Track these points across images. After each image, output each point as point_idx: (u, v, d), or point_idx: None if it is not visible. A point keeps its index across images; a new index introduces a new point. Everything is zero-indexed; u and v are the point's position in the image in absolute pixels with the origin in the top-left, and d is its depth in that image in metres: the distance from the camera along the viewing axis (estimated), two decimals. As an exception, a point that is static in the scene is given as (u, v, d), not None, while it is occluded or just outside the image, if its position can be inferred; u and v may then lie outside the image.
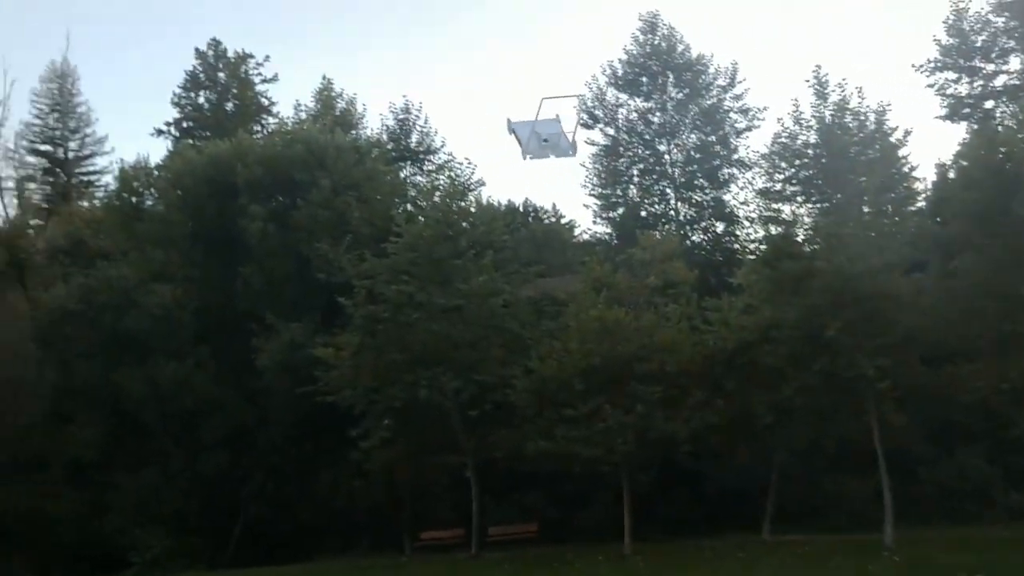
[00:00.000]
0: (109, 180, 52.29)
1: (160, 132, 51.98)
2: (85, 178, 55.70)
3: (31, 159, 53.55)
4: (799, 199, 40.39)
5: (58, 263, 43.19)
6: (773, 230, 33.54)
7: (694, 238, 44.40)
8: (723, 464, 29.70)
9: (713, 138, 44.92)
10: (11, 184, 50.84)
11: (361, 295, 29.92)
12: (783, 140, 40.71)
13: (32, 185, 53.05)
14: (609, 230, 45.71)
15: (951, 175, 29.41)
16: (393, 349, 29.33)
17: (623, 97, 46.24)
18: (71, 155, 54.91)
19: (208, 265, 38.14)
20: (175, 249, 39.04)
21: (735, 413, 26.86)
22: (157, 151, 52.61)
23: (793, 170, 40.43)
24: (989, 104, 40.08)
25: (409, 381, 28.66)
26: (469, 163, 47.56)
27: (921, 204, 36.27)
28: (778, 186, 41.07)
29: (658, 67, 45.64)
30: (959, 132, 39.56)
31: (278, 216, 36.86)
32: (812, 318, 25.05)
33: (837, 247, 25.73)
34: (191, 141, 47.24)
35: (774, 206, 41.14)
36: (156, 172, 43.61)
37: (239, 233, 36.51)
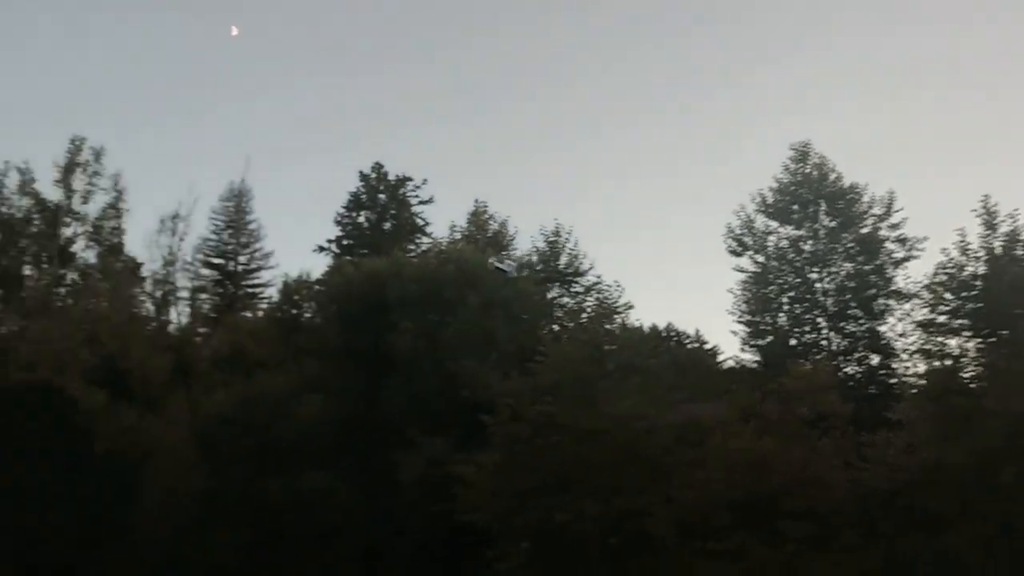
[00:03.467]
0: (272, 293, 55.25)
1: (322, 249, 54.77)
2: (251, 290, 59.08)
3: (204, 271, 57.34)
4: (965, 333, 38.11)
5: (220, 370, 45.55)
6: (936, 364, 31.66)
7: (847, 370, 42.42)
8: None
9: (868, 267, 43.41)
10: (185, 294, 54.41)
11: (504, 414, 29.98)
12: (948, 271, 38.79)
13: (203, 296, 56.53)
14: (757, 358, 44.37)
15: None
16: (533, 470, 29.03)
17: (773, 224, 45.58)
18: (240, 268, 58.55)
19: (357, 377, 39.26)
20: (328, 361, 40.49)
21: (893, 560, 24.89)
22: (318, 267, 55.60)
23: (959, 302, 38.31)
24: None
25: (547, 504, 28.18)
26: (617, 286, 47.40)
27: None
28: (941, 318, 38.95)
29: (809, 195, 44.91)
30: None
31: (427, 332, 37.76)
32: (983, 460, 23.24)
33: (1011, 384, 23.99)
34: (350, 258, 49.48)
35: (937, 339, 38.93)
36: (316, 286, 45.76)
37: (389, 347, 37.58)
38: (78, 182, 51.56)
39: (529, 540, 28.44)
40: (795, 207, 45.27)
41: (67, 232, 51.96)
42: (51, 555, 37.53)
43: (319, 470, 36.54)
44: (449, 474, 30.28)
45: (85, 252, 52.90)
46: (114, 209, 52.74)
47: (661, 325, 48.54)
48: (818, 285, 44.18)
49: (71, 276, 52.52)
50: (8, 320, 49.99)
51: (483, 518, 28.97)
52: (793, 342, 43.46)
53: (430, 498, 31.64)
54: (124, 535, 39.28)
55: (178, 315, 53.64)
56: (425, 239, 55.36)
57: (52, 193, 51.94)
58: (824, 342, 43.40)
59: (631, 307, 45.75)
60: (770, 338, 44.07)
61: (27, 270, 51.71)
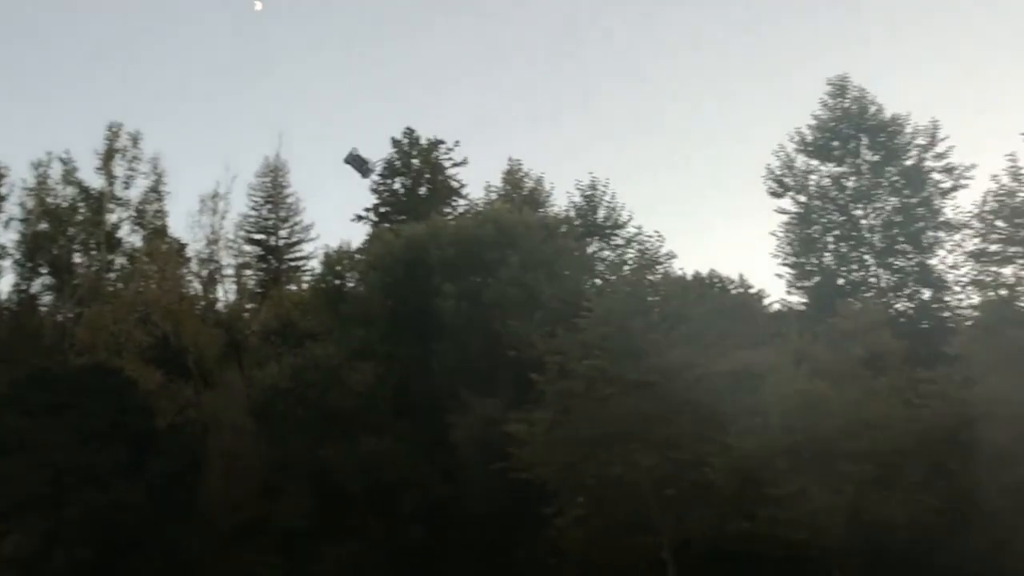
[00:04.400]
0: (315, 265, 55.84)
1: (360, 218, 55.04)
2: (294, 263, 59.78)
3: (247, 248, 58.10)
4: (1020, 261, 37.25)
5: (270, 344, 46.33)
6: (991, 295, 31.06)
7: (898, 306, 41.75)
8: (945, 552, 27.20)
9: (915, 200, 42.50)
10: (230, 271, 55.28)
11: (553, 371, 30.08)
12: (999, 198, 37.83)
13: (248, 272, 57.35)
14: (804, 300, 43.86)
15: None
16: (586, 425, 29.16)
17: (814, 163, 44.73)
18: (281, 243, 59.18)
19: (405, 343, 39.66)
20: (375, 328, 40.89)
21: (959, 496, 24.65)
22: (357, 236, 56.03)
23: (1011, 229, 37.39)
24: None
25: (602, 458, 28.33)
26: (658, 236, 47.00)
27: None
28: (994, 247, 38.09)
29: (850, 130, 43.93)
30: None
31: (470, 294, 37.91)
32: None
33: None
34: (388, 225, 49.70)
35: (990, 269, 38.12)
36: (357, 256, 46.13)
37: (433, 311, 37.83)
38: (119, 168, 52.43)
39: (586, 495, 28.62)
40: (835, 143, 44.34)
41: (112, 218, 53.02)
42: (122, 530, 38.70)
43: (375, 435, 37.13)
44: (503, 433, 30.53)
45: (131, 236, 54.05)
46: (155, 192, 53.72)
47: (704, 272, 48.32)
48: (864, 222, 43.39)
49: (119, 261, 53.64)
50: (63, 307, 51.17)
51: (539, 475, 29.21)
52: (841, 281, 42.83)
53: (485, 458, 31.97)
54: (191, 507, 40.41)
55: (225, 292, 54.66)
56: (461, 201, 55.34)
57: (94, 180, 53.02)
58: (873, 279, 42.73)
59: (673, 256, 45.42)
60: (817, 279, 43.49)
61: (77, 258, 52.90)
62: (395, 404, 38.95)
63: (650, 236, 47.00)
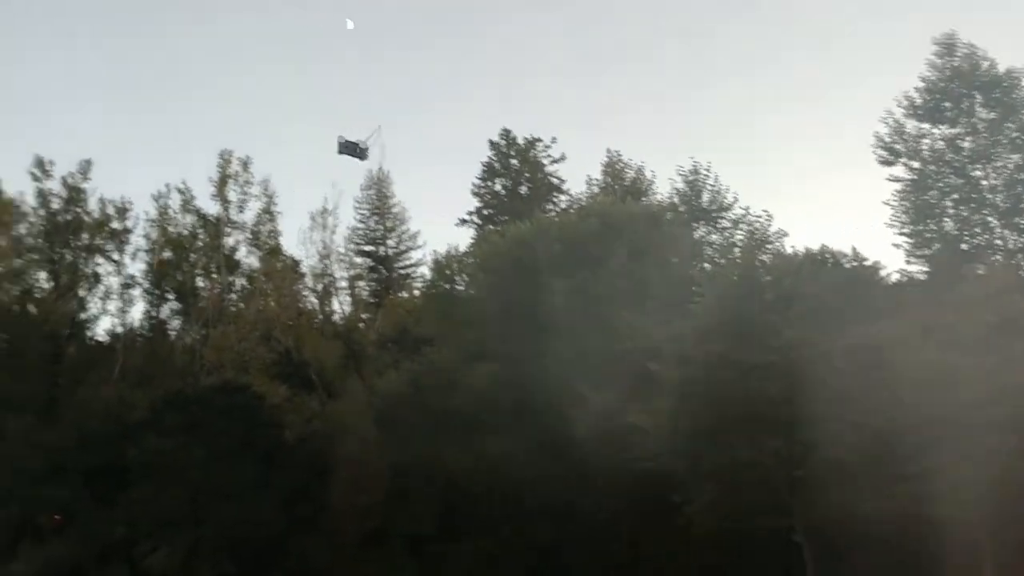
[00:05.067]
0: (424, 271, 57.03)
1: (464, 222, 55.93)
2: (403, 271, 61.18)
3: (358, 259, 59.76)
4: None
5: (387, 351, 47.50)
6: None
7: (1029, 267, 39.80)
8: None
9: (1039, 155, 40.38)
10: (343, 284, 56.99)
11: (670, 359, 29.87)
12: None
13: (360, 283, 59.04)
14: (925, 268, 42.23)
15: None
16: (708, 411, 28.84)
17: (925, 127, 43.00)
18: (390, 252, 60.67)
19: (518, 342, 39.91)
20: (488, 329, 41.37)
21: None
22: (463, 240, 57.03)
23: None
24: None
25: (728, 443, 27.98)
26: (767, 215, 46.00)
27: None
28: None
29: (962, 89, 42.04)
30: None
31: (580, 289, 37.97)
32: None
33: None
34: (492, 227, 50.29)
35: None
36: (465, 259, 46.83)
37: (544, 309, 38.02)
38: (232, 193, 54.72)
39: (714, 481, 28.32)
40: (947, 104, 42.49)
41: (229, 241, 55.45)
42: (255, 543, 40.31)
43: (496, 435, 37.51)
44: (623, 425, 30.48)
45: (248, 258, 56.33)
46: (268, 213, 55.81)
47: (816, 249, 47.06)
48: (984, 183, 41.47)
49: (239, 282, 55.94)
50: (190, 330, 53.73)
51: (664, 464, 29.05)
52: (964, 247, 41.08)
53: (607, 450, 31.96)
54: (319, 516, 41.69)
55: (340, 304, 56.33)
56: (563, 197, 55.58)
57: (210, 207, 55.56)
58: (999, 242, 40.82)
59: (784, 235, 44.43)
60: (937, 246, 41.80)
61: (199, 282, 55.49)
62: (513, 404, 39.25)
63: (758, 216, 46.13)
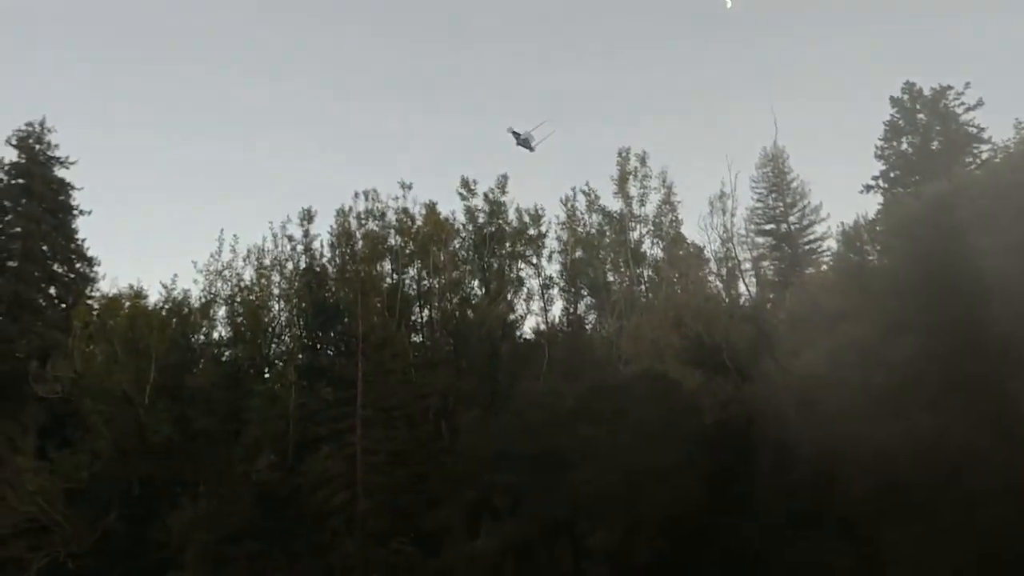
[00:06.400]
0: (831, 244, 54.78)
1: (868, 188, 52.73)
2: (809, 247, 59.10)
3: (759, 239, 59.03)
4: None
5: (799, 330, 46.19)
6: None
7: None
8: None
9: None
10: (748, 265, 56.67)
11: None
12: None
13: (764, 263, 58.27)
14: None
15: None
16: None
17: None
18: (793, 228, 58.99)
19: (946, 310, 36.75)
20: (909, 299, 38.62)
21: None
22: (870, 207, 53.84)
23: None
24: None
25: None
26: None
27: None
28: None
29: None
30: None
31: (1018, 247, 33.92)
32: None
33: None
34: (903, 189, 46.88)
35: None
36: (876, 227, 44.20)
37: (974, 272, 34.59)
38: (633, 189, 57.47)
39: None
40: None
41: (634, 235, 58.20)
42: (685, 522, 41.34)
43: (926, 411, 34.89)
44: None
45: (652, 249, 58.70)
46: (668, 204, 57.61)
47: None
48: None
49: (646, 273, 58.44)
50: (605, 323, 57.24)
51: None
52: None
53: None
54: (745, 497, 41.67)
55: (746, 286, 56.14)
56: (983, 147, 50.06)
57: (613, 204, 58.99)
58: None
59: None
60: None
61: (609, 276, 58.97)
62: (941, 377, 36.16)
63: None
